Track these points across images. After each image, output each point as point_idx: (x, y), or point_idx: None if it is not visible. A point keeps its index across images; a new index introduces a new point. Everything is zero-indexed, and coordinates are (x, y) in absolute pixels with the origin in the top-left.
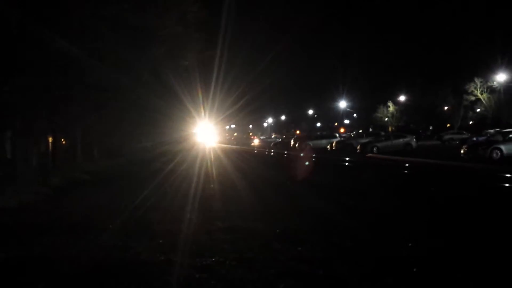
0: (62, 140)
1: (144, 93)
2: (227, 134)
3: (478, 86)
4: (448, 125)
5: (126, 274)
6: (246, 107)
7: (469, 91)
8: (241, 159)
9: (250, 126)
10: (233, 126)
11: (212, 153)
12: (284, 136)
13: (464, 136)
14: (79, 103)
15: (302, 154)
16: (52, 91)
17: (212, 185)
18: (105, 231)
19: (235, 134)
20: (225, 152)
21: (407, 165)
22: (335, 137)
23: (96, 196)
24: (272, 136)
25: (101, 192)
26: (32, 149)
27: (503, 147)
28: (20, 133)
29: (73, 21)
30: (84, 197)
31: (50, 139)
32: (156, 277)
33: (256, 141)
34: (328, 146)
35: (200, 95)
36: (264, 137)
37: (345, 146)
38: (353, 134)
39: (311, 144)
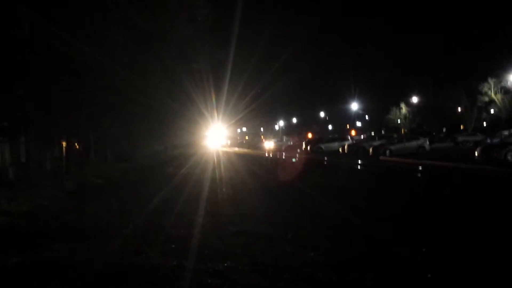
0: (76, 144)
1: (156, 96)
2: (238, 138)
3: (492, 87)
4: (461, 127)
5: (138, 279)
6: (257, 110)
7: (483, 91)
8: (252, 162)
9: (262, 129)
10: (244, 129)
11: (223, 156)
12: (295, 139)
13: (478, 138)
14: (92, 107)
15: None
16: (65, 95)
17: (224, 189)
18: (118, 235)
19: (246, 137)
20: (237, 155)
21: (420, 168)
22: (347, 139)
23: (109, 200)
24: (284, 139)
25: (113, 197)
26: (46, 153)
27: None
28: (33, 138)
29: (84, 26)
30: (97, 201)
31: (64, 144)
32: (168, 282)
33: (269, 145)
34: (340, 149)
35: (213, 98)
36: (276, 140)
37: (357, 149)
38: (363, 136)
39: (323, 147)
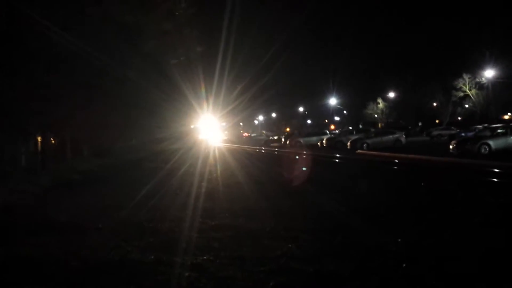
0: (52, 139)
1: (137, 88)
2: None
3: (467, 82)
4: (437, 121)
5: (115, 274)
6: (238, 106)
7: (458, 87)
8: (233, 156)
9: (241, 124)
10: (224, 124)
11: (205, 150)
12: (274, 134)
13: (452, 132)
14: (68, 101)
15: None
16: (39, 88)
17: (203, 182)
18: (95, 230)
19: (226, 132)
20: (216, 149)
21: (397, 161)
22: (326, 134)
23: (85, 196)
24: (264, 133)
25: (90, 192)
26: (21, 148)
27: (491, 142)
28: (8, 132)
29: (60, 17)
30: (73, 197)
31: (39, 138)
32: (146, 276)
33: (250, 138)
34: (318, 143)
35: (203, 90)
36: (255, 135)
37: (335, 143)
38: (338, 130)
39: (302, 141)
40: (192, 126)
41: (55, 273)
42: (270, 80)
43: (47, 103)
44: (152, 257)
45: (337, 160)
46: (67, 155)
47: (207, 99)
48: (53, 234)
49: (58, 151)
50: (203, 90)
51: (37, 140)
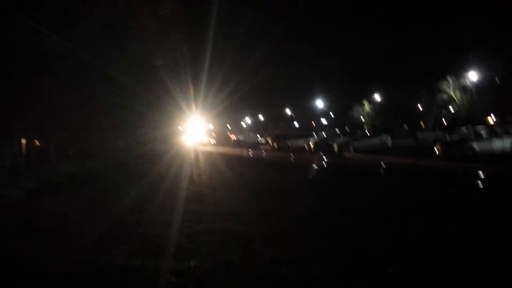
0: (36, 141)
1: (121, 90)
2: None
3: (451, 85)
4: (422, 124)
5: (100, 280)
6: (226, 108)
7: (442, 89)
8: (221, 159)
9: (228, 126)
10: (211, 126)
11: (192, 153)
12: (262, 136)
13: (437, 134)
14: (52, 103)
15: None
16: (24, 90)
17: (189, 185)
18: (79, 234)
19: (213, 134)
20: (204, 152)
21: (383, 164)
22: (313, 136)
23: (69, 199)
24: (251, 136)
25: (74, 195)
26: (5, 150)
27: (475, 145)
28: None
29: (42, 20)
30: (57, 200)
31: (24, 141)
32: (132, 282)
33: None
34: (306, 146)
35: (176, 97)
36: (242, 137)
37: (324, 146)
38: (323, 132)
39: (289, 144)
40: (180, 128)
41: (37, 278)
42: (258, 82)
43: (30, 105)
44: (138, 262)
45: (323, 163)
46: (52, 157)
47: (195, 100)
48: (35, 238)
49: (43, 153)
50: (191, 92)
51: (21, 142)
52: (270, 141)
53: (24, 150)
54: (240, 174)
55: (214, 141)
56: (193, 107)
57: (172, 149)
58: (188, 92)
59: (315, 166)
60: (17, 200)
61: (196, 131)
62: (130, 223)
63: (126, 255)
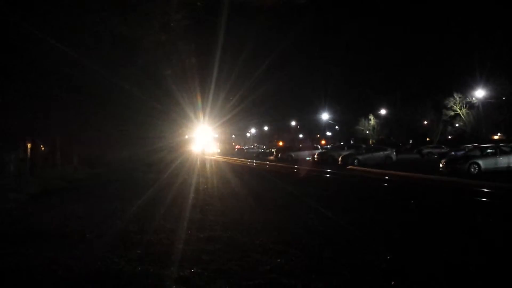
0: (42, 146)
1: (129, 99)
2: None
3: (457, 102)
4: (427, 139)
5: (101, 285)
6: (232, 118)
7: (449, 106)
8: (225, 168)
9: (233, 136)
10: (216, 136)
11: (198, 162)
12: (267, 148)
13: (443, 150)
14: (60, 109)
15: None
16: (32, 96)
17: (192, 194)
18: (81, 240)
19: (218, 144)
20: (210, 161)
21: (387, 178)
22: (317, 148)
23: (73, 205)
24: (255, 147)
25: (78, 201)
26: (10, 154)
27: (480, 162)
28: None
29: (55, 28)
30: (61, 205)
31: (29, 145)
32: None
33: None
34: (310, 158)
35: (183, 107)
36: (247, 148)
37: (326, 157)
38: (329, 145)
39: (293, 155)
40: (186, 137)
41: (40, 284)
42: (264, 94)
43: (37, 111)
44: (140, 268)
45: (327, 176)
46: (56, 162)
47: (202, 110)
48: (38, 243)
49: (48, 159)
50: (199, 101)
51: (26, 146)
52: (274, 152)
53: (29, 154)
54: (244, 184)
55: (219, 151)
56: (200, 116)
57: (179, 158)
58: (196, 102)
59: (317, 178)
60: (21, 204)
61: (202, 140)
62: (132, 230)
63: (128, 262)
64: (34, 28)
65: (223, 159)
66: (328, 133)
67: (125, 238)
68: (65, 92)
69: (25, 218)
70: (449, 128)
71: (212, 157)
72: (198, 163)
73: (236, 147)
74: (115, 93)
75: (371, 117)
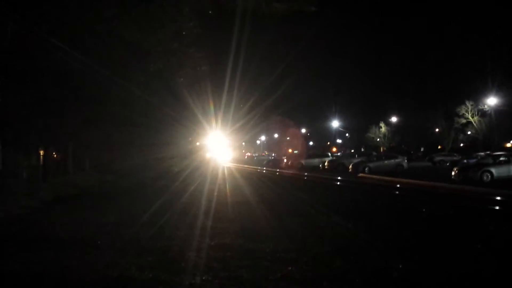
0: (54, 153)
1: (141, 106)
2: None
3: (469, 109)
4: (439, 147)
5: None
6: (243, 126)
7: (460, 114)
8: (235, 175)
9: (244, 143)
10: (229, 143)
11: (209, 169)
12: (276, 155)
13: (455, 158)
14: (72, 117)
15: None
16: (45, 104)
17: (204, 201)
18: (93, 247)
19: (229, 152)
20: (221, 168)
21: (398, 186)
22: (328, 156)
23: (85, 211)
24: (266, 153)
25: (89, 207)
26: (23, 161)
27: (493, 170)
28: (10, 145)
29: (68, 36)
30: (73, 212)
31: (42, 152)
32: None
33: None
34: (320, 165)
35: (196, 114)
36: (257, 155)
37: (337, 165)
38: (340, 153)
39: (304, 163)
40: (198, 143)
41: None
42: (275, 101)
43: (50, 118)
44: (150, 275)
45: (338, 183)
46: (68, 169)
47: (215, 117)
48: (50, 249)
49: (60, 166)
50: (211, 107)
51: (39, 153)
52: (284, 159)
53: (41, 161)
54: (254, 191)
55: (231, 158)
56: (213, 123)
57: (190, 166)
58: (208, 108)
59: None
60: (33, 210)
61: (214, 147)
62: (144, 237)
63: (139, 269)
64: (46, 35)
65: (234, 166)
66: (339, 141)
67: (137, 245)
68: (77, 100)
69: (37, 224)
70: (461, 135)
71: (224, 165)
72: (209, 170)
73: (247, 154)
74: (127, 99)
75: (382, 124)
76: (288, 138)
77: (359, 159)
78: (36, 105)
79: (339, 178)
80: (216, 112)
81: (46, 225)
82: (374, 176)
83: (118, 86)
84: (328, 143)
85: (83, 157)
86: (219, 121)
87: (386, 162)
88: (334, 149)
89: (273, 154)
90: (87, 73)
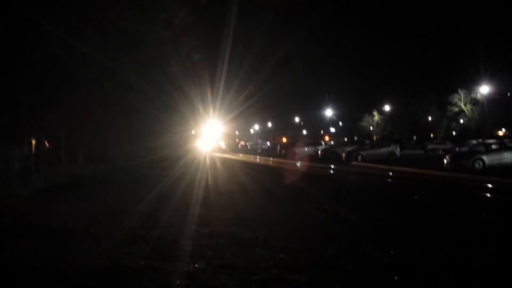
0: (46, 142)
1: (134, 95)
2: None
3: (462, 98)
4: (432, 135)
5: (106, 280)
6: (237, 115)
7: (453, 102)
8: (231, 164)
9: (237, 132)
10: (223, 132)
11: (202, 158)
12: (269, 143)
13: (447, 146)
14: (63, 106)
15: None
16: (36, 93)
17: (195, 190)
18: (86, 235)
19: (222, 140)
20: (215, 158)
21: (390, 174)
22: (321, 144)
23: (77, 200)
24: (259, 143)
25: (82, 196)
26: (15, 151)
27: (485, 157)
28: (1, 135)
29: (58, 23)
30: (65, 201)
31: (34, 142)
32: (136, 283)
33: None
34: (313, 154)
35: (192, 102)
36: (251, 144)
37: (330, 154)
38: (333, 142)
39: (297, 152)
40: (193, 132)
41: (45, 278)
42: (268, 90)
43: (42, 107)
44: (143, 263)
45: (331, 172)
46: (61, 159)
47: (211, 105)
48: (44, 239)
49: (52, 155)
50: (208, 96)
51: (31, 143)
52: (278, 148)
53: (33, 151)
54: (248, 180)
55: (224, 147)
56: (209, 112)
57: (184, 154)
58: (204, 97)
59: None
60: (26, 200)
61: (208, 136)
62: (137, 226)
63: (132, 257)
64: (35, 23)
65: (228, 156)
66: (332, 129)
67: (129, 233)
68: (69, 88)
69: (29, 213)
70: (454, 124)
71: (217, 154)
72: (203, 159)
73: (240, 143)
74: (119, 88)
75: (375, 113)
76: (281, 127)
77: (352, 148)
78: (27, 94)
79: (332, 166)
80: (212, 101)
81: (39, 215)
82: (367, 164)
83: (110, 75)
84: (322, 131)
85: (75, 146)
86: (215, 110)
87: (379, 150)
88: (327, 138)
89: (267, 143)
90: (78, 61)
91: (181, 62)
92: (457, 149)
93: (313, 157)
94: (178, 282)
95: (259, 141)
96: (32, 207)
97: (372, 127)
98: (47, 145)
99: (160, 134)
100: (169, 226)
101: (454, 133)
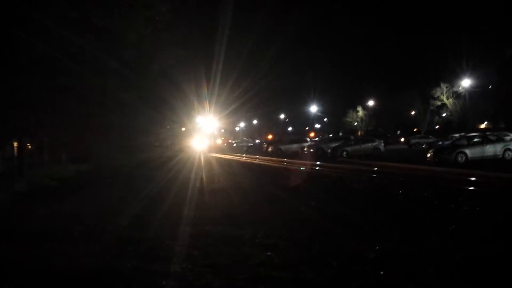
0: (28, 144)
1: (116, 93)
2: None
3: (444, 91)
4: (415, 130)
5: (89, 282)
6: (225, 115)
7: (436, 96)
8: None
9: (222, 130)
10: (210, 131)
11: (189, 156)
12: (255, 141)
13: (430, 140)
14: (46, 107)
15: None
16: (14, 93)
17: (182, 190)
18: (69, 238)
19: (208, 139)
20: (197, 156)
21: (375, 169)
22: (306, 141)
23: (61, 203)
24: (245, 139)
25: (66, 199)
26: None
27: (467, 151)
28: None
29: (38, 22)
30: (49, 204)
31: (16, 144)
32: (121, 284)
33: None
34: (299, 150)
35: (205, 91)
36: (237, 141)
37: (316, 150)
38: (318, 138)
39: (282, 148)
40: (183, 129)
41: (28, 281)
42: (254, 88)
43: (21, 109)
44: (129, 265)
45: (316, 168)
46: (44, 161)
47: (199, 103)
48: (27, 242)
49: (35, 157)
50: (205, 91)
51: (13, 145)
52: (264, 146)
53: (16, 153)
54: (233, 179)
55: (208, 146)
56: (195, 111)
57: (170, 154)
58: (191, 96)
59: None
60: (9, 204)
61: (194, 135)
62: (122, 227)
63: (117, 259)
64: (13, 20)
65: (213, 155)
66: (317, 126)
67: (115, 234)
68: (49, 87)
69: (11, 217)
70: (436, 118)
71: (204, 153)
72: (190, 158)
73: (226, 141)
74: (100, 87)
75: (359, 108)
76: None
77: (337, 144)
78: (6, 95)
79: (317, 163)
80: (199, 99)
81: (21, 218)
82: (353, 160)
83: (91, 74)
84: (307, 128)
85: (59, 147)
86: (200, 109)
87: (363, 145)
88: (313, 134)
89: (256, 141)
90: (58, 61)
91: (163, 59)
92: (440, 143)
93: (298, 154)
94: (164, 282)
95: (245, 138)
96: (14, 210)
97: (357, 123)
98: (30, 147)
99: (145, 134)
100: (155, 227)
101: (437, 127)
